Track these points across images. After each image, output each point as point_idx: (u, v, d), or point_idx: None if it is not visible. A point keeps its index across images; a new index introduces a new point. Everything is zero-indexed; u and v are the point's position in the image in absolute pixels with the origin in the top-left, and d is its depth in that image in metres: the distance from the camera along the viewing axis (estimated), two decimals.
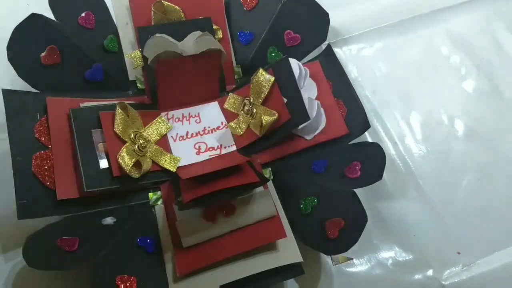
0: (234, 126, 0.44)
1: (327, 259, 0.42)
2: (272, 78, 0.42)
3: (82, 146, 0.39)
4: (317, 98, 0.45)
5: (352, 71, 0.52)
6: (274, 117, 0.41)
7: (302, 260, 0.38)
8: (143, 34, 0.43)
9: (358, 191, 0.42)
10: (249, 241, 0.38)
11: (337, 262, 0.40)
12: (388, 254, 0.43)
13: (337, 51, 0.51)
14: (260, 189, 0.40)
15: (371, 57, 0.52)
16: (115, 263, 0.37)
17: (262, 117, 0.41)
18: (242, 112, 0.44)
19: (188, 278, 0.37)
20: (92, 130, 0.40)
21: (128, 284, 0.36)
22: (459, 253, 0.43)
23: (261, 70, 0.42)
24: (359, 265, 0.43)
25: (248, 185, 0.38)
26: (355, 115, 0.44)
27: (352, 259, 0.42)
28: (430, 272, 0.43)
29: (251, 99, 0.43)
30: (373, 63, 0.52)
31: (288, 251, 0.39)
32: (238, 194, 0.39)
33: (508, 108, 0.49)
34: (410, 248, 0.43)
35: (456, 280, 0.42)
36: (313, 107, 0.43)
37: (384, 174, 0.44)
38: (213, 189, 0.38)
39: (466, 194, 0.46)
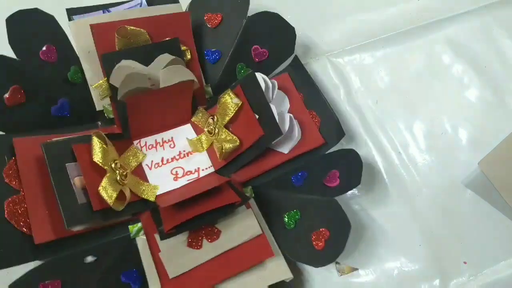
0: (195, 142, 0.44)
1: (332, 269, 0.42)
2: (240, 103, 0.42)
3: (57, 182, 0.37)
4: (289, 111, 0.45)
5: (355, 82, 0.51)
6: (236, 144, 0.41)
7: (292, 277, 0.38)
8: (108, 61, 0.42)
9: (363, 202, 0.43)
10: (237, 264, 0.38)
11: (342, 273, 0.41)
12: (394, 264, 0.43)
13: (339, 61, 0.51)
14: (242, 209, 0.40)
15: (373, 68, 0.52)
16: None
17: (223, 143, 0.41)
18: (206, 129, 0.44)
19: None
20: (66, 164, 0.38)
21: None
22: (465, 262, 0.42)
23: (229, 91, 0.42)
24: (364, 276, 0.42)
25: (229, 205, 0.38)
26: (329, 124, 0.44)
27: (357, 269, 0.42)
28: (436, 282, 0.42)
29: (216, 119, 0.43)
30: (376, 73, 0.52)
31: (277, 268, 0.39)
32: (220, 216, 0.39)
33: (511, 116, 0.49)
34: (416, 258, 0.43)
35: None
36: (285, 121, 0.43)
37: (389, 184, 0.45)
38: (194, 214, 0.37)
39: (472, 203, 0.45)
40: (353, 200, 0.46)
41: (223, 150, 0.42)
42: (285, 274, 0.38)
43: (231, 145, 0.41)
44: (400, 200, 0.46)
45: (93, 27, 0.43)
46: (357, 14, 0.54)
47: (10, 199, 0.37)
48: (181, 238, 0.39)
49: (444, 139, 0.39)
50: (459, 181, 0.46)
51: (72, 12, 0.45)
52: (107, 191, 0.38)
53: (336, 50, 0.53)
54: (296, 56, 0.47)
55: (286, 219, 0.40)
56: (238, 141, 0.41)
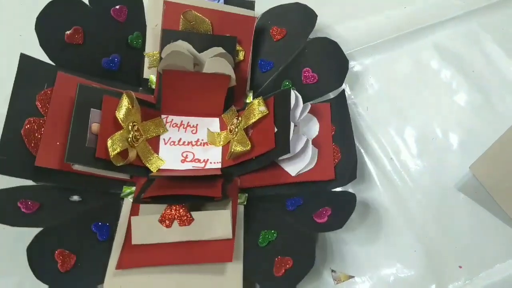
0: (213, 135, 0.45)
1: (328, 278, 0.42)
2: (266, 112, 0.42)
3: (76, 120, 0.40)
4: (315, 138, 0.44)
5: (345, 89, 0.51)
6: (246, 148, 0.41)
7: None
8: (166, 37, 0.45)
9: (359, 209, 0.43)
10: (194, 255, 0.37)
11: (339, 281, 0.40)
12: (390, 271, 0.42)
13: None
14: (225, 210, 0.40)
15: (362, 75, 0.52)
16: (61, 237, 0.37)
17: (234, 144, 0.41)
18: (228, 127, 0.45)
19: (125, 276, 0.37)
20: (91, 109, 0.41)
21: (66, 259, 0.36)
22: (460, 267, 0.42)
23: (260, 98, 0.43)
24: (361, 283, 0.42)
25: (209, 198, 0.38)
26: (347, 165, 0.42)
27: (353, 277, 0.41)
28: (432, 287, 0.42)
29: (239, 120, 0.43)
30: (365, 80, 0.52)
31: (231, 280, 0.37)
32: (196, 202, 0.40)
33: (500, 120, 0.48)
34: (412, 264, 0.42)
35: None
36: (299, 142, 0.42)
37: (381, 190, 0.46)
38: (175, 192, 0.38)
39: (465, 206, 0.45)
40: None
41: (232, 150, 0.42)
42: (235, 286, 0.37)
43: (241, 148, 0.41)
44: (394, 206, 0.45)
45: (165, 3, 0.47)
46: (344, 23, 0.55)
47: (32, 119, 0.40)
48: (158, 213, 0.39)
49: (436, 144, 0.40)
50: (452, 185, 0.46)
51: None
52: (113, 144, 0.40)
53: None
54: (343, 90, 0.46)
55: (261, 236, 0.39)
56: (250, 146, 0.41)
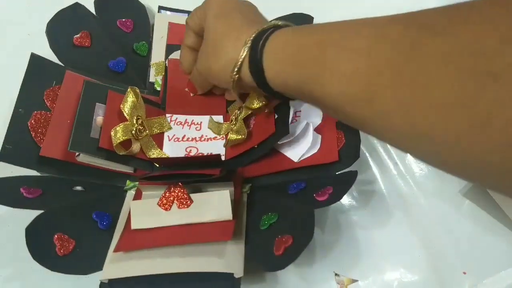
0: (216, 125, 0.45)
1: (331, 281, 0.41)
2: (265, 100, 0.42)
3: (81, 112, 0.41)
4: (320, 125, 0.44)
5: None
6: (241, 137, 0.41)
7: (242, 275, 0.34)
8: (171, 51, 0.48)
9: (361, 213, 0.44)
10: (194, 235, 0.36)
11: (342, 285, 0.39)
12: (394, 276, 0.41)
13: None
14: (222, 190, 0.39)
15: None
16: (61, 222, 0.37)
17: (231, 132, 0.42)
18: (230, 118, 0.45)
19: (124, 261, 0.36)
20: (96, 103, 0.42)
21: (64, 244, 0.35)
22: (465, 273, 0.41)
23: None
24: (364, 287, 0.40)
25: (207, 176, 0.37)
26: (351, 147, 0.42)
27: (357, 281, 0.40)
28: None
29: (241, 110, 0.43)
30: None
31: (233, 261, 0.35)
32: (194, 180, 0.39)
33: None
34: (415, 269, 0.41)
35: None
36: (299, 126, 0.42)
37: (386, 194, 0.45)
38: (173, 172, 0.37)
39: (470, 212, 0.44)
40: (351, 211, 0.44)
41: (228, 138, 0.42)
42: (237, 268, 0.35)
43: (236, 136, 0.42)
44: (398, 210, 0.44)
45: (170, 24, 0.51)
46: (343, 9, 0.52)
47: (39, 112, 0.41)
48: (155, 197, 0.38)
49: None
50: (456, 190, 0.45)
51: (161, 8, 0.53)
52: (116, 134, 0.40)
53: None
54: None
55: (263, 219, 0.38)
56: (245, 135, 0.41)
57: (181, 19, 0.52)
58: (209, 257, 0.35)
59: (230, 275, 0.34)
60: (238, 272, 0.35)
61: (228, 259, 0.35)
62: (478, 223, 0.43)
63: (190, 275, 0.35)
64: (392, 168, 0.47)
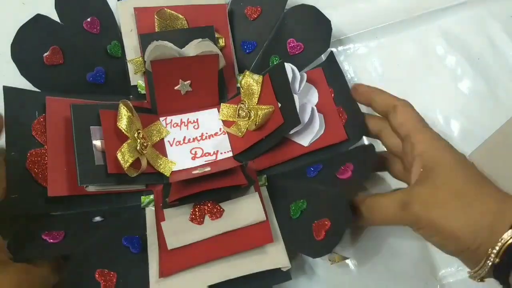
0: (235, 130, 0.44)
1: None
2: (260, 77, 0.42)
3: (79, 141, 0.39)
4: (317, 105, 0.44)
5: (349, 72, 0.51)
6: (271, 109, 0.41)
7: (289, 266, 0.37)
8: (145, 41, 0.44)
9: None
10: (235, 245, 0.37)
11: (333, 262, 0.40)
12: (385, 255, 0.43)
13: (333, 51, 0.50)
14: (251, 194, 0.39)
15: (367, 58, 0.52)
16: (97, 258, 0.36)
17: (258, 110, 0.41)
18: (239, 118, 0.44)
19: (169, 280, 0.36)
20: (91, 127, 0.40)
21: (107, 278, 0.35)
22: None
23: (247, 72, 0.43)
24: (353, 267, 0.43)
25: (235, 187, 0.38)
26: (355, 122, 0.43)
27: (348, 258, 0.42)
28: (425, 272, 0.43)
29: (246, 104, 0.43)
30: (369, 63, 0.52)
31: (276, 256, 0.37)
32: (224, 195, 0.39)
33: (503, 109, 0.48)
34: (407, 249, 0.43)
35: (451, 280, 0.43)
36: (306, 112, 0.42)
37: (382, 175, 0.44)
38: (199, 189, 0.37)
39: None
40: None
41: (259, 115, 0.41)
42: (283, 262, 0.37)
43: (266, 110, 0.41)
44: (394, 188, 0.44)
45: (136, 10, 0.46)
46: (351, 4, 0.54)
47: (33, 150, 0.38)
48: (185, 213, 0.39)
49: (436, 129, 0.38)
50: None
51: None
52: (124, 156, 0.39)
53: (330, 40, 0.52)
54: (331, 52, 0.46)
55: (293, 208, 0.39)
56: (273, 107, 0.41)
57: (145, 2, 0.47)
58: (253, 258, 0.37)
59: (278, 270, 0.36)
60: (286, 264, 0.37)
61: (272, 254, 0.37)
62: None
63: (239, 278, 0.36)
64: None
